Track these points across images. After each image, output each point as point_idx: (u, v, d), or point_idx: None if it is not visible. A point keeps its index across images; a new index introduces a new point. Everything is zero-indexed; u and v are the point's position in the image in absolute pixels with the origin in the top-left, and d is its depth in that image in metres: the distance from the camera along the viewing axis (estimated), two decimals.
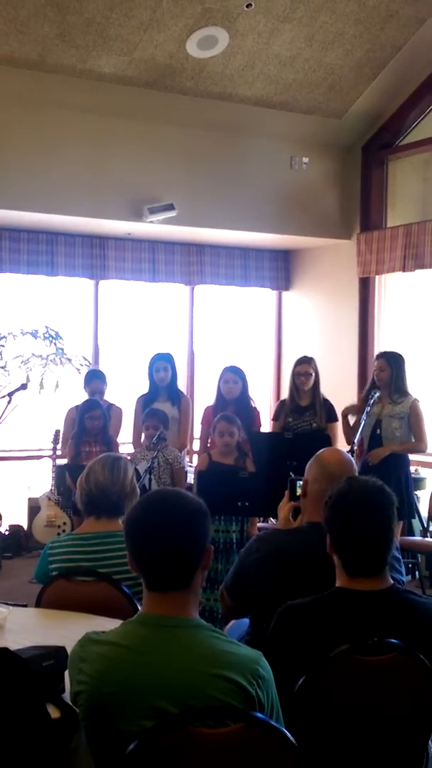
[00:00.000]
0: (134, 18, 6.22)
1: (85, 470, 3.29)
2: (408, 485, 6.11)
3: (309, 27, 6.65)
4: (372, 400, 6.12)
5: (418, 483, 6.94)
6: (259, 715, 1.90)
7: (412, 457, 6.39)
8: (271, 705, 2.00)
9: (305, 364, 6.42)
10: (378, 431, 6.12)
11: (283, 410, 6.47)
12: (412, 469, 6.54)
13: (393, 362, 6.18)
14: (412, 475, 6.42)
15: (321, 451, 3.05)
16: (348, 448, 5.92)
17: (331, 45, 6.89)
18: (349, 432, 6.32)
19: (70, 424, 6.60)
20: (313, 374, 6.39)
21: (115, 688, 1.92)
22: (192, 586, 2.04)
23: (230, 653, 1.97)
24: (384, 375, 6.16)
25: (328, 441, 5.78)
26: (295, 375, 6.43)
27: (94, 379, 6.80)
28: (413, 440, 6.11)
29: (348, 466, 2.94)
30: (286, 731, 1.89)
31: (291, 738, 1.88)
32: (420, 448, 6.18)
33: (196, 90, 7.13)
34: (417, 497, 6.59)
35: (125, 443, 6.74)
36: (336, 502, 2.40)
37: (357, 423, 6.19)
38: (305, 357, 6.51)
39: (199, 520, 2.05)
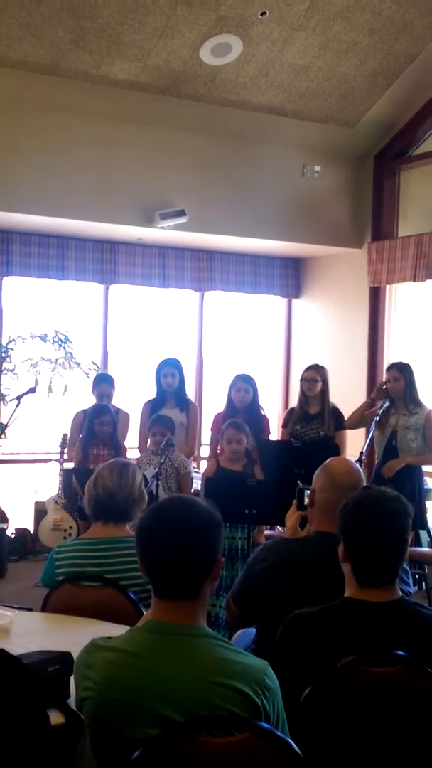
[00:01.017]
0: (148, 24, 6.24)
1: (93, 475, 3.29)
2: (422, 496, 6.10)
3: (323, 36, 6.65)
4: (381, 410, 6.11)
5: (427, 493, 6.91)
6: (265, 725, 1.89)
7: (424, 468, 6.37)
8: (277, 715, 1.99)
9: (312, 370, 6.42)
10: (393, 443, 6.11)
11: (291, 418, 6.47)
12: None
13: (406, 372, 6.18)
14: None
15: (329, 460, 3.04)
16: (356, 457, 5.91)
17: (345, 54, 6.90)
18: (358, 416, 6.34)
19: (77, 428, 6.60)
20: (320, 381, 6.37)
21: (121, 695, 1.91)
22: (201, 595, 2.03)
23: (237, 663, 1.96)
24: (399, 385, 6.15)
25: (336, 449, 5.77)
26: (302, 381, 6.44)
27: (103, 382, 6.79)
28: (428, 451, 6.09)
29: (356, 475, 2.93)
30: (291, 742, 1.88)
31: (296, 749, 1.87)
32: None
33: (209, 97, 7.14)
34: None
35: (131, 448, 6.74)
36: (353, 511, 2.39)
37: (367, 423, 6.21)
38: (314, 364, 6.51)
39: (210, 532, 2.04)
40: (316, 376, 6.37)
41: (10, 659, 2.02)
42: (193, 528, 2.02)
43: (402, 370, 6.20)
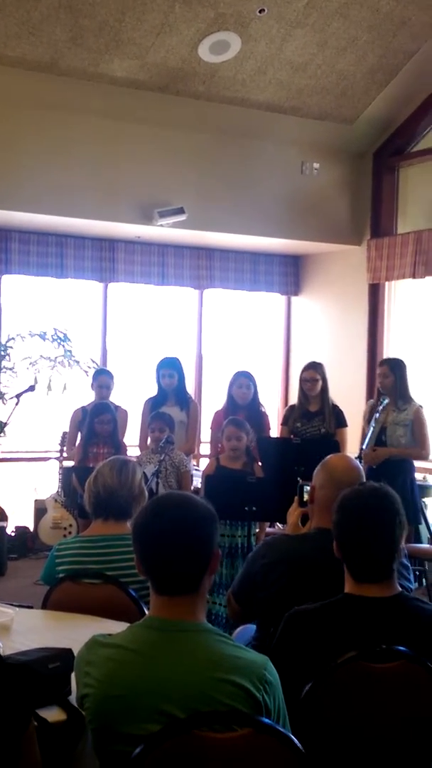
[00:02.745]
0: (147, 22, 6.23)
1: (94, 473, 3.29)
2: (413, 490, 6.10)
3: (321, 33, 6.65)
4: (381, 407, 6.12)
5: (425, 490, 6.91)
6: (266, 720, 1.89)
7: (419, 464, 6.37)
8: (278, 710, 1.99)
9: (311, 369, 6.42)
10: (383, 438, 6.11)
11: (292, 415, 6.47)
12: (419, 476, 6.51)
13: (396, 368, 6.18)
14: (419, 482, 6.40)
15: (328, 457, 3.04)
16: (356, 454, 5.91)
17: (344, 51, 6.89)
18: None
19: (75, 426, 6.61)
20: (320, 380, 6.37)
21: (121, 692, 1.91)
22: (200, 590, 2.03)
23: (237, 658, 1.96)
24: (388, 381, 6.16)
25: (336, 447, 5.77)
26: (302, 381, 6.44)
27: (102, 374, 6.79)
28: (418, 447, 6.10)
29: (355, 472, 2.94)
30: (293, 737, 1.88)
31: (298, 744, 1.87)
32: (421, 455, 6.16)
33: (208, 94, 7.14)
34: (424, 504, 6.57)
35: (131, 446, 6.74)
36: (343, 507, 2.40)
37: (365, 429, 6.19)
38: (312, 362, 6.50)
39: (206, 525, 2.05)
40: (315, 375, 6.37)
41: None
42: (189, 522, 2.02)
43: (392, 367, 6.20)
